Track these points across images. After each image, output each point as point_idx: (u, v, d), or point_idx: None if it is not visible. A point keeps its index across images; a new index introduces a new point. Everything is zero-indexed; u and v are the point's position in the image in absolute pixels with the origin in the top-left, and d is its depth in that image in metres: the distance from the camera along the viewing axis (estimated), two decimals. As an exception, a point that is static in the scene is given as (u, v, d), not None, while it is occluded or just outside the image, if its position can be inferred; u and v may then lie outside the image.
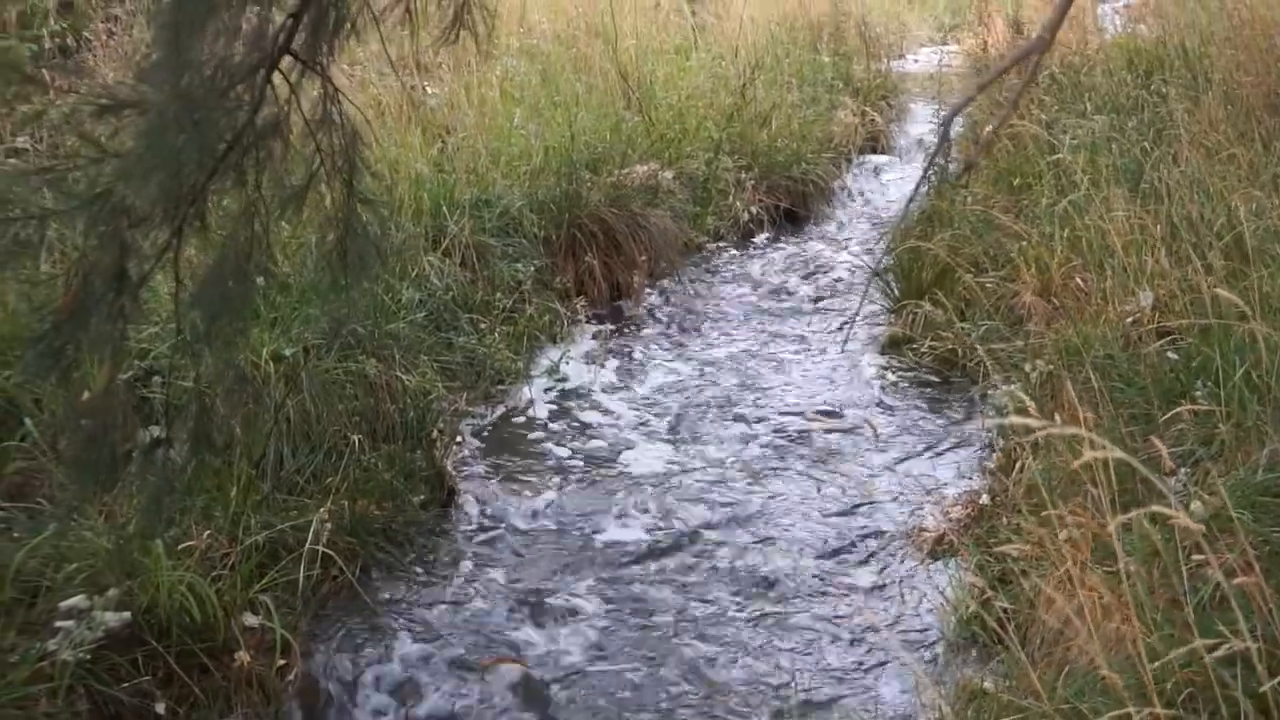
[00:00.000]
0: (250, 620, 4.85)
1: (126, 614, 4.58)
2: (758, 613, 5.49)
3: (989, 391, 7.35)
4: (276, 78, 4.21)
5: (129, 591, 4.65)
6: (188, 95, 3.85)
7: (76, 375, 4.61)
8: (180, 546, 4.84)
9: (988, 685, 4.33)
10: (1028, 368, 6.73)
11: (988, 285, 7.92)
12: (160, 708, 4.55)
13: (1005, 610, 4.75)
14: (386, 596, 5.48)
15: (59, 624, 4.47)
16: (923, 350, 8.08)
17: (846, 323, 9.01)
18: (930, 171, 9.98)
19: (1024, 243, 7.67)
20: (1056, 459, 5.42)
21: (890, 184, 13.03)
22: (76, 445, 4.48)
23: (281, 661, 4.82)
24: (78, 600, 4.54)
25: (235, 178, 4.38)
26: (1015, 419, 3.13)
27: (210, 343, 4.59)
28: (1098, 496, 4.01)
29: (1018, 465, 5.88)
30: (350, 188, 4.65)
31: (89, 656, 4.41)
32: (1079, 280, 6.94)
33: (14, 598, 4.50)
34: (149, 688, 4.56)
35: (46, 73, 5.86)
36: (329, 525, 5.30)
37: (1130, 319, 6.19)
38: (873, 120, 14.25)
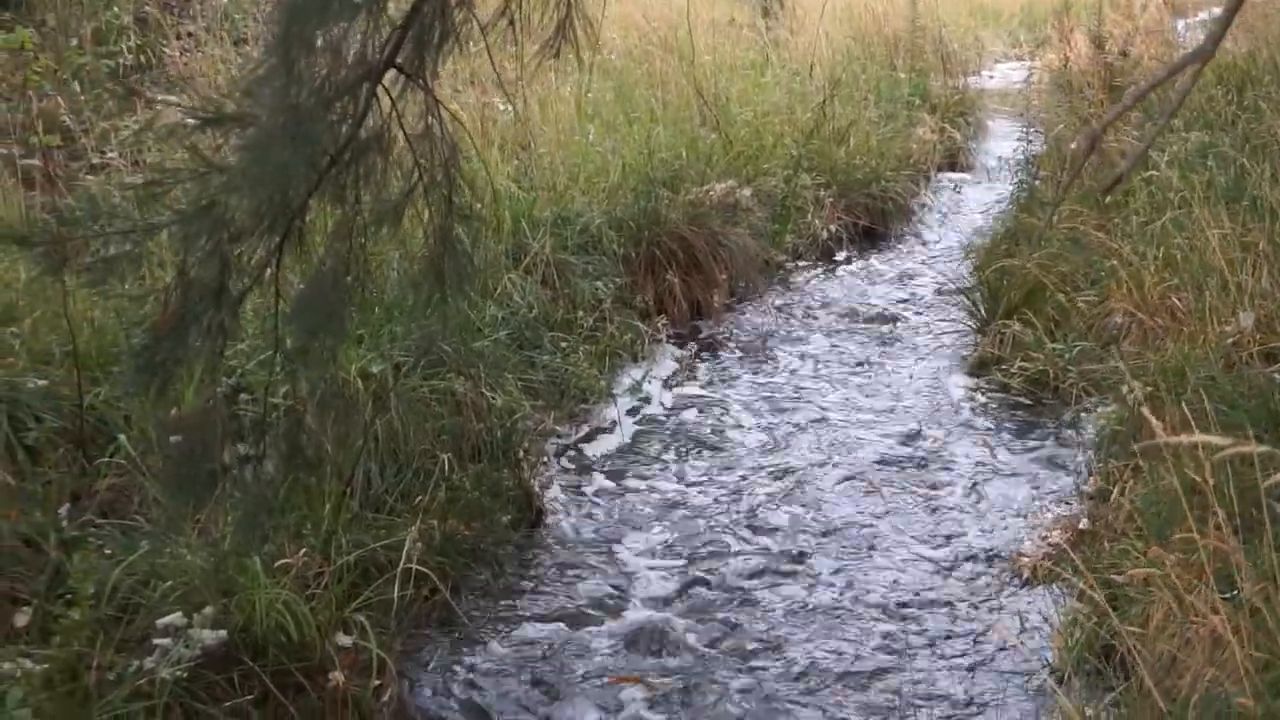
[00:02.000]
0: (344, 640, 4.80)
1: (223, 632, 4.54)
2: (861, 634, 5.41)
3: (1083, 414, 7.23)
4: (378, 91, 4.18)
5: (225, 609, 4.61)
6: (295, 109, 3.81)
7: (173, 391, 4.60)
8: (276, 565, 4.78)
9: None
10: (1125, 389, 6.60)
11: (1080, 305, 7.80)
12: (256, 729, 4.52)
13: (1113, 637, 4.66)
14: (478, 616, 5.44)
15: (156, 641, 4.43)
16: (1012, 371, 7.94)
17: (932, 343, 8.91)
18: (1022, 190, 9.90)
19: (1115, 262, 7.54)
20: (1160, 481, 5.29)
21: (970, 201, 12.89)
22: (174, 461, 4.46)
23: (376, 682, 4.76)
24: (175, 618, 4.51)
25: (335, 192, 4.35)
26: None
27: (307, 358, 4.56)
28: (1215, 518, 3.92)
29: (1116, 489, 5.77)
30: (450, 202, 4.61)
31: (186, 675, 4.37)
32: (1175, 300, 6.81)
33: (110, 615, 4.47)
34: (245, 707, 4.52)
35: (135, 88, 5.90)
36: (420, 545, 5.25)
37: (1231, 340, 6.06)
38: (951, 137, 14.14)
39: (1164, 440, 3.64)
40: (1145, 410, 4.05)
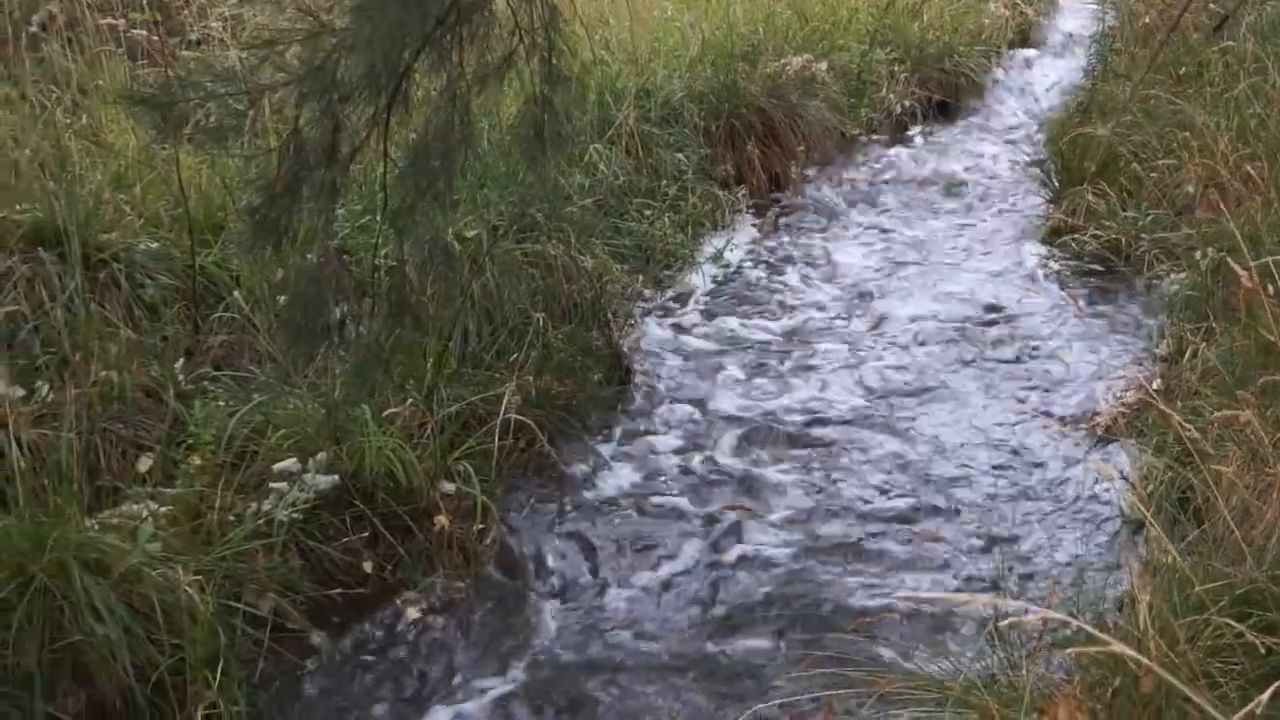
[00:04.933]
0: (448, 487, 5.04)
1: (335, 477, 4.79)
2: (942, 482, 5.61)
3: (1155, 280, 7.33)
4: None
5: (336, 456, 4.85)
6: (408, -31, 3.96)
7: (286, 249, 4.81)
8: (383, 415, 5.01)
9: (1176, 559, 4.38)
10: (1197, 255, 6.71)
11: (1154, 174, 7.87)
12: (368, 566, 4.76)
13: (1187, 491, 4.81)
14: (573, 465, 5.67)
15: (273, 485, 4.68)
16: (1085, 239, 8.04)
17: (1005, 213, 9.01)
18: (1098, 63, 9.90)
19: (1187, 133, 7.60)
20: (1234, 343, 5.42)
21: (1041, 76, 12.86)
22: (290, 314, 4.67)
23: (479, 526, 5.01)
24: (290, 463, 4.75)
25: (441, 53, 4.50)
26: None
27: (413, 216, 4.74)
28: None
29: (1189, 351, 5.89)
30: (550, 65, 4.75)
31: (301, 516, 4.62)
32: (1250, 169, 6.87)
33: (228, 461, 4.71)
34: (357, 546, 4.77)
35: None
36: (517, 399, 5.47)
37: (1307, 206, 6.14)
38: (1023, 13, 14.05)
39: (1251, 288, 3.76)
40: (1231, 261, 4.16)
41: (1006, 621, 3.38)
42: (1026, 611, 3.65)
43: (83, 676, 3.97)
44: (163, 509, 4.46)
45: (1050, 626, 3.34)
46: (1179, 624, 3.25)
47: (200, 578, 4.16)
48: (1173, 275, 7.11)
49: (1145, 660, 1.95)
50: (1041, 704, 3.23)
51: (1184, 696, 3.14)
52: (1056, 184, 8.93)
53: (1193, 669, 3.14)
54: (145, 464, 4.73)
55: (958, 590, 4.79)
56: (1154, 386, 5.99)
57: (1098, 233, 7.97)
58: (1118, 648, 1.88)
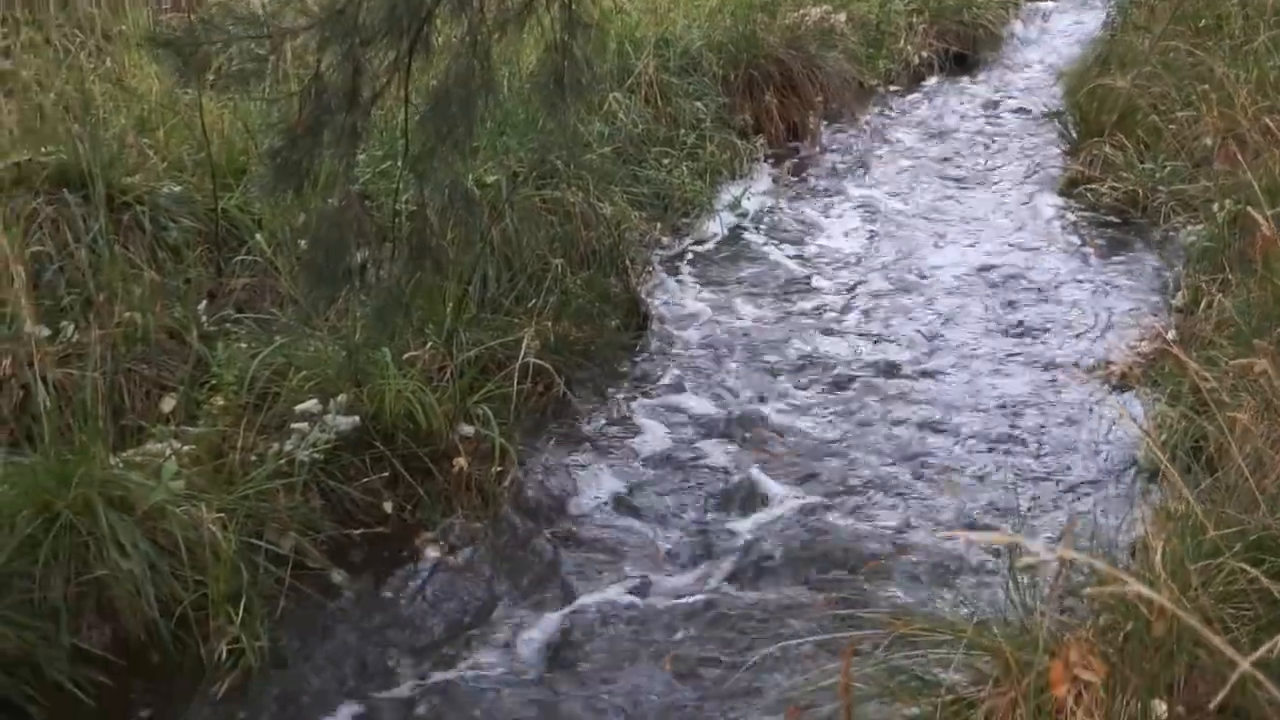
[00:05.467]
0: (467, 430, 5.08)
1: (355, 418, 4.83)
2: (961, 431, 5.64)
3: (1172, 232, 7.35)
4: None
5: (357, 398, 4.89)
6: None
7: (307, 191, 4.84)
8: (403, 358, 5.05)
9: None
10: (1215, 207, 6.72)
11: (1172, 126, 7.88)
12: (388, 506, 4.81)
13: (1200, 440, 4.84)
14: (591, 410, 5.72)
15: (294, 426, 4.72)
16: (1102, 191, 8.06)
17: (1022, 164, 9.02)
18: (1117, 14, 9.88)
19: (1206, 85, 7.60)
20: (1250, 294, 5.43)
21: (1058, 29, 12.84)
22: (312, 256, 4.71)
23: (498, 468, 5.05)
24: (311, 404, 4.79)
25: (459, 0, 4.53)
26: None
27: (433, 161, 4.77)
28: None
29: (1204, 302, 5.91)
30: (569, 11, 4.77)
31: (322, 457, 4.67)
32: (1268, 121, 6.86)
33: (250, 402, 4.75)
34: (377, 487, 4.82)
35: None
36: (535, 343, 5.51)
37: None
38: (1042, -35, 14.03)
39: (1268, 239, 3.78)
40: (1252, 210, 4.18)
41: (1024, 560, 3.42)
42: (1042, 551, 3.69)
43: (108, 611, 4.04)
44: (186, 448, 4.51)
45: (1065, 569, 3.37)
46: (1192, 567, 3.28)
47: (223, 515, 4.22)
48: (1190, 227, 7.12)
49: (1159, 599, 1.98)
50: (1054, 646, 3.28)
51: (1195, 641, 3.19)
52: (1074, 136, 8.94)
53: (1205, 614, 3.17)
54: (169, 404, 4.79)
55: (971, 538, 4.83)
56: (1169, 336, 6.02)
57: (1115, 184, 8.00)
58: (1134, 587, 1.91)
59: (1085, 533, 4.43)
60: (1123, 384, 5.93)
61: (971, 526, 4.86)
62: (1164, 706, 3.10)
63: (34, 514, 3.99)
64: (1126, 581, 2.20)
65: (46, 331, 4.68)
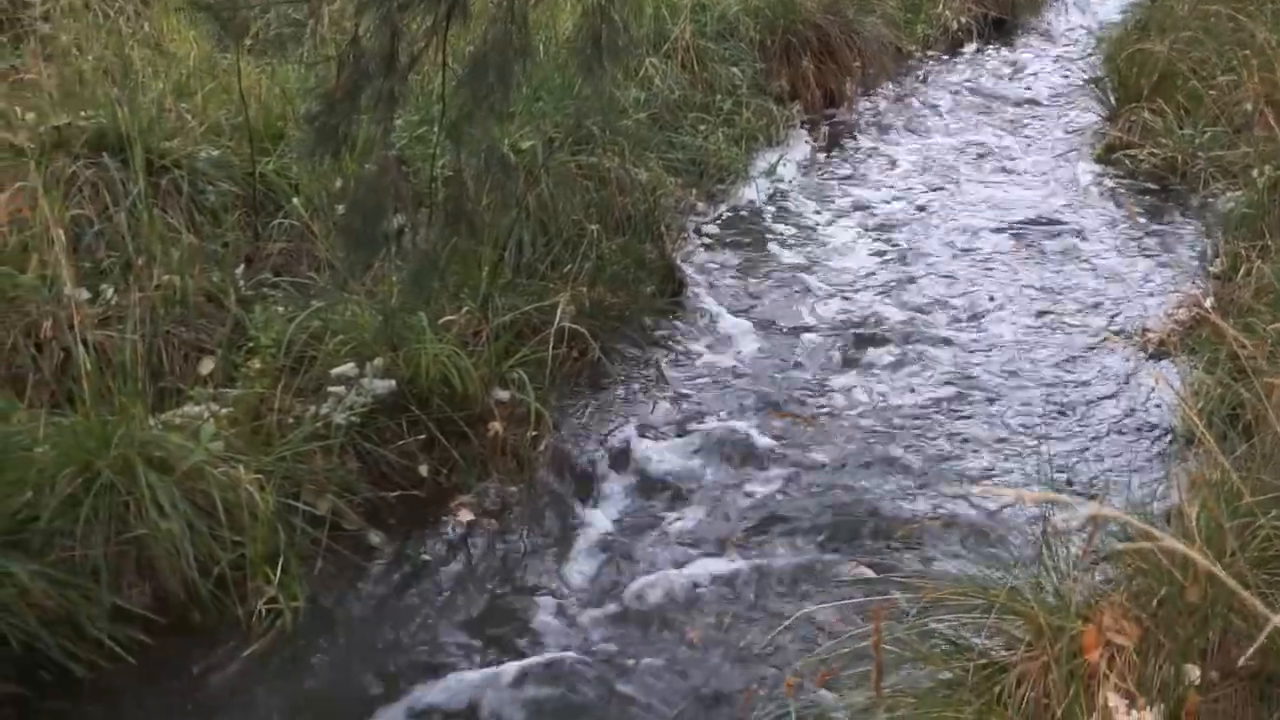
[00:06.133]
0: (502, 394, 5.10)
1: (391, 382, 4.86)
2: (999, 399, 5.64)
3: (1210, 198, 7.31)
4: None
5: (393, 362, 4.91)
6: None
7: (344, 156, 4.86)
8: (439, 322, 5.07)
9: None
10: (1255, 173, 6.68)
11: (1212, 92, 7.83)
12: (424, 469, 4.85)
13: (1237, 407, 4.83)
14: (626, 375, 5.73)
15: (331, 389, 4.76)
16: (1141, 157, 8.02)
17: (1060, 130, 8.98)
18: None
19: (1247, 50, 7.55)
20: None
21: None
22: (352, 219, 4.74)
23: (533, 432, 5.07)
24: (347, 368, 4.83)
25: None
26: None
27: (471, 124, 4.78)
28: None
29: (1242, 269, 5.88)
30: (607, -26, 4.77)
31: (358, 420, 4.71)
32: (1311, 86, 6.84)
33: (287, 365, 4.79)
34: (413, 450, 4.85)
35: None
36: (571, 309, 5.52)
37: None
38: (1083, -72, 13.90)
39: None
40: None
41: (1058, 517, 3.43)
42: (1078, 506, 3.68)
43: (147, 570, 4.09)
44: (224, 410, 4.56)
45: (1098, 531, 3.38)
46: (1228, 526, 3.28)
47: (260, 477, 4.27)
48: (1229, 193, 7.09)
49: (1196, 555, 1.98)
50: (1087, 611, 3.29)
51: (1229, 606, 3.19)
52: (1113, 101, 8.89)
53: (1241, 578, 3.17)
54: (207, 366, 4.83)
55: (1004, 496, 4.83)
56: (1207, 304, 5.99)
57: (1154, 150, 7.96)
58: (1169, 543, 1.91)
59: (1119, 498, 4.45)
60: (1160, 351, 5.91)
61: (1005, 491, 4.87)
62: (1197, 671, 3.11)
63: (75, 473, 4.05)
64: (1160, 538, 2.20)
65: (86, 294, 4.73)
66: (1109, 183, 8.02)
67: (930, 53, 10.73)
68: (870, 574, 4.34)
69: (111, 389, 4.30)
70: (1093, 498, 4.64)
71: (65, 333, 4.53)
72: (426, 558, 4.59)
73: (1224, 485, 3.79)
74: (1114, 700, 2.99)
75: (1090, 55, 10.48)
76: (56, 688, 3.83)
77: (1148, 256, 7.00)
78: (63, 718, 3.81)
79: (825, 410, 5.54)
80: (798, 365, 5.89)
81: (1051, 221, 7.49)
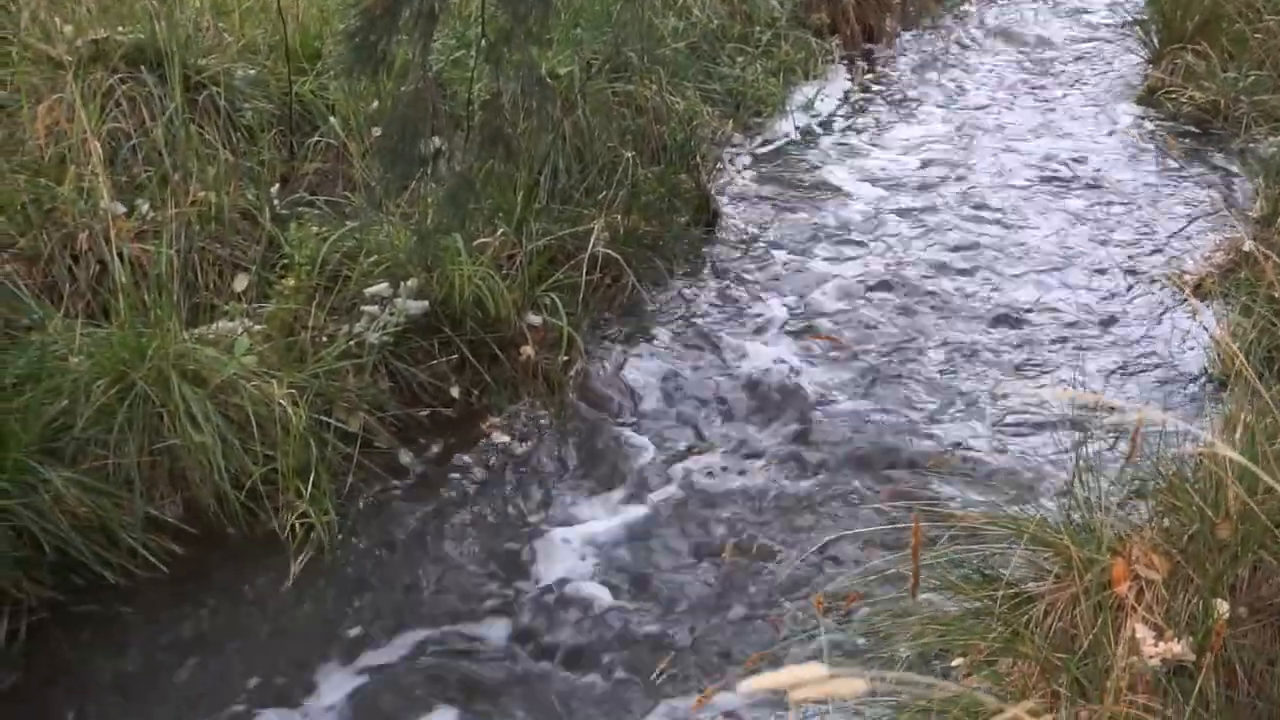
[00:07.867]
0: (534, 318, 5.11)
1: (425, 303, 4.87)
2: (1024, 326, 5.64)
3: (1252, 143, 7.25)
4: None
5: (427, 283, 4.92)
6: None
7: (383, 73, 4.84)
8: (474, 244, 5.07)
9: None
10: (1298, 117, 6.63)
11: (1258, 35, 7.74)
12: (455, 390, 4.86)
13: (1272, 351, 4.81)
14: (659, 303, 5.73)
15: (364, 309, 4.77)
16: (1182, 100, 7.94)
17: (1102, 71, 8.89)
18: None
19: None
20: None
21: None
22: (389, 138, 4.72)
23: (564, 357, 5.08)
24: (381, 288, 4.84)
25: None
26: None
27: (510, 46, 4.76)
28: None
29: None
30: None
31: (391, 339, 4.72)
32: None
33: (322, 284, 4.79)
34: (445, 371, 4.87)
35: None
36: (605, 235, 5.51)
37: None
38: None
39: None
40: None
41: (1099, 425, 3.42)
42: (1121, 406, 3.67)
43: (180, 481, 4.12)
44: (257, 326, 4.58)
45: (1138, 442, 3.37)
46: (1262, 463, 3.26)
47: (293, 392, 4.30)
48: (1271, 138, 7.02)
49: (1240, 458, 1.97)
50: (1116, 545, 3.29)
51: (1260, 543, 3.18)
52: (1156, 43, 8.78)
53: (1275, 516, 3.16)
54: (241, 283, 4.85)
55: (1040, 441, 4.82)
56: (1246, 247, 5.95)
57: (1196, 93, 7.87)
58: (1221, 449, 1.91)
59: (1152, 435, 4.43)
60: (1197, 293, 5.87)
61: (1039, 425, 4.86)
62: (1226, 605, 3.10)
63: (109, 384, 4.08)
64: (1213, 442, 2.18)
65: (123, 208, 4.75)
66: (1150, 125, 7.94)
67: (972, -10, 10.63)
68: (898, 503, 4.33)
69: (146, 302, 4.33)
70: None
71: (101, 245, 4.56)
72: (457, 477, 4.61)
73: (1260, 422, 3.78)
74: (1142, 631, 2.99)
75: (1132, -2, 10.38)
76: (89, 593, 3.88)
77: (1187, 198, 6.94)
78: (95, 621, 3.86)
79: (858, 340, 5.52)
80: (831, 296, 5.87)
81: (1091, 160, 7.42)
